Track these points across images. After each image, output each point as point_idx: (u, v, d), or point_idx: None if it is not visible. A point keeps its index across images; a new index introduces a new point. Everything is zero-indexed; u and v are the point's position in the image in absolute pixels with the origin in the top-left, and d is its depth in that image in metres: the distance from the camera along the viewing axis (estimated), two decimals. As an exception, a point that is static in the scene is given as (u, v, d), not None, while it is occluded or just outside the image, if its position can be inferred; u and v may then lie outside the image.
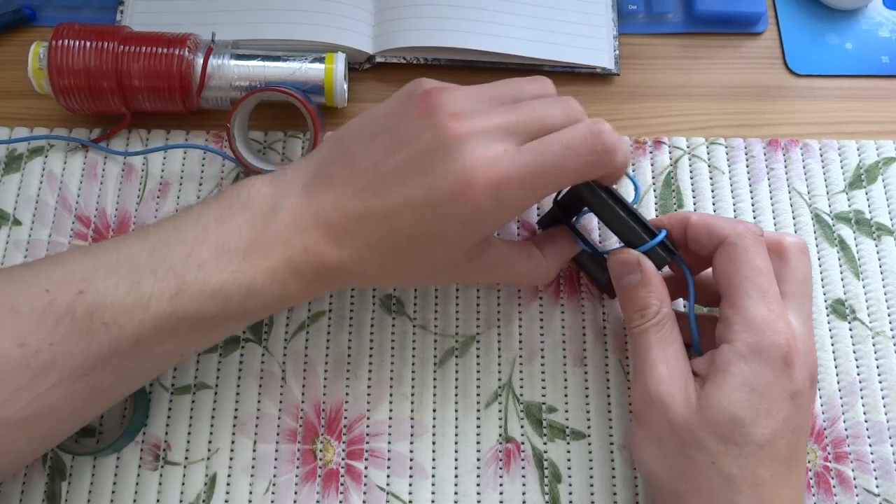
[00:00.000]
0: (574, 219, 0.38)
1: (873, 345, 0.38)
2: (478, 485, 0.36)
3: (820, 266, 0.40)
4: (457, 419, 0.37)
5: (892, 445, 0.37)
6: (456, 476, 0.36)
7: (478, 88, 0.32)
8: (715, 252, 0.33)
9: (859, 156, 0.42)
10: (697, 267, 0.36)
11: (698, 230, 0.33)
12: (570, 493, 0.36)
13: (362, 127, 0.32)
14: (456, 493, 0.36)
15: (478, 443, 0.37)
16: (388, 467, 0.36)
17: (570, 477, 0.36)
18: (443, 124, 0.29)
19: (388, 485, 0.36)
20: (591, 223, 0.41)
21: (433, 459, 0.36)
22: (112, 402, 0.31)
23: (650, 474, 0.32)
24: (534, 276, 0.35)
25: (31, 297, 0.28)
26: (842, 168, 0.42)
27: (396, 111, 0.31)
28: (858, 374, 0.38)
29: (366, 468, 0.36)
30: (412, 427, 0.37)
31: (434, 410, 0.37)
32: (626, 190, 0.41)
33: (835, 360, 0.38)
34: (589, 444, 0.36)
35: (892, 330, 0.39)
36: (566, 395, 0.37)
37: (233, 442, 0.36)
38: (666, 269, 0.36)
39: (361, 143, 0.31)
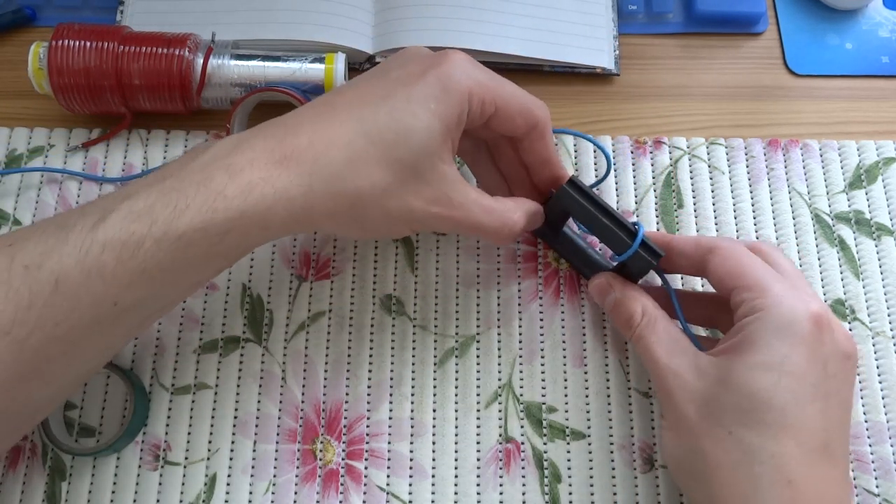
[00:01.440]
0: (577, 227, 0.38)
1: (873, 345, 0.38)
2: (478, 485, 0.36)
3: (820, 266, 0.40)
4: (457, 419, 0.37)
5: (892, 445, 0.37)
6: (456, 476, 0.36)
7: None
8: (704, 261, 0.33)
9: (859, 156, 0.42)
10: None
11: (684, 242, 0.34)
12: (570, 493, 0.36)
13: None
14: (456, 493, 0.36)
15: (478, 443, 0.37)
16: (388, 467, 0.36)
17: (570, 477, 0.36)
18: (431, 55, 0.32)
19: (388, 485, 0.36)
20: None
21: (433, 459, 0.36)
22: (57, 376, 0.28)
23: (673, 461, 0.32)
24: (496, 227, 0.33)
25: None
26: (842, 168, 0.42)
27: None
28: (858, 374, 0.38)
29: (366, 468, 0.36)
30: (412, 427, 0.37)
31: (434, 411, 0.37)
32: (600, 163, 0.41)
33: (835, 360, 0.38)
34: (589, 444, 0.36)
35: (892, 330, 0.39)
36: (566, 395, 0.37)
37: (233, 442, 0.36)
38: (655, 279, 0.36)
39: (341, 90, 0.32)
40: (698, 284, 0.39)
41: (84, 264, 0.26)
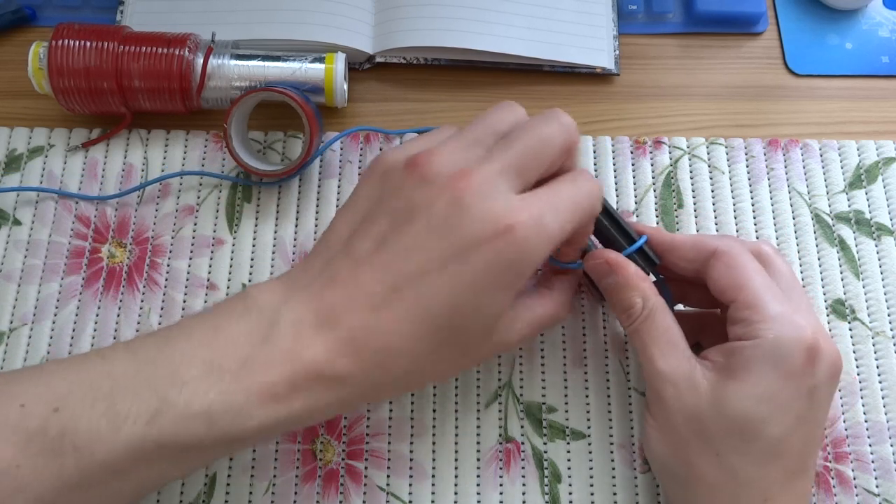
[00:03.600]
0: None
1: (873, 345, 0.38)
2: (478, 485, 0.36)
3: (820, 266, 0.40)
4: (457, 419, 0.37)
5: (892, 445, 0.37)
6: (456, 476, 0.36)
7: (458, 138, 0.30)
8: (706, 265, 0.33)
9: (859, 156, 0.42)
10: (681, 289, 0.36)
11: (686, 246, 0.34)
12: (570, 493, 0.36)
13: (352, 214, 0.30)
14: (456, 493, 0.36)
15: (478, 443, 0.37)
16: (388, 467, 0.36)
17: (569, 477, 0.36)
18: (453, 184, 0.27)
19: (388, 485, 0.36)
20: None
21: (433, 459, 0.36)
22: None
23: (658, 461, 0.33)
24: (562, 316, 0.34)
25: (4, 412, 0.25)
26: (842, 168, 0.42)
27: (381, 188, 0.29)
28: (858, 374, 0.38)
29: (366, 468, 0.36)
30: (412, 427, 0.37)
31: (434, 410, 0.37)
32: (626, 190, 0.41)
33: (835, 360, 0.38)
34: (589, 444, 0.36)
35: (892, 330, 0.39)
36: (566, 395, 0.37)
37: (233, 442, 0.36)
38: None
39: (358, 231, 0.29)
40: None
41: (137, 457, 0.25)
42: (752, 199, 0.41)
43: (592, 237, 0.35)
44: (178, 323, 0.28)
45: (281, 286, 0.28)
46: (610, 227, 0.34)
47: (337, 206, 0.41)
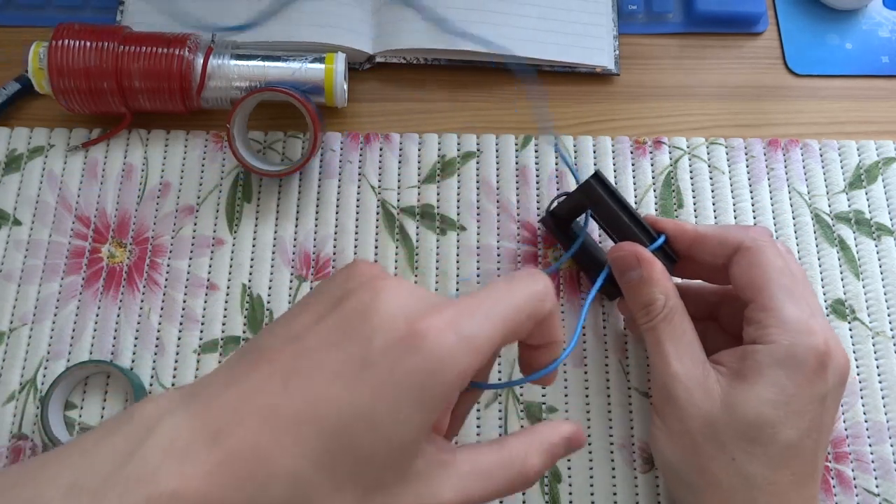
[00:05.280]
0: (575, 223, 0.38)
1: (873, 345, 0.38)
2: (478, 485, 0.36)
3: (820, 266, 0.40)
4: (457, 419, 0.37)
5: (892, 445, 0.37)
6: (456, 476, 0.36)
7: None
8: (730, 259, 0.33)
9: (859, 156, 0.42)
10: (701, 277, 0.36)
11: (711, 241, 0.33)
12: (570, 493, 0.36)
13: (280, 318, 0.25)
14: (456, 493, 0.36)
15: (478, 443, 0.36)
16: (388, 467, 0.36)
17: (570, 477, 0.36)
18: (374, 282, 0.24)
19: (388, 485, 0.36)
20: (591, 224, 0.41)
21: (433, 459, 0.36)
22: None
23: (668, 465, 0.32)
24: (519, 485, 0.26)
25: None
26: (842, 168, 0.42)
27: (316, 291, 0.25)
28: (858, 374, 0.38)
29: (366, 468, 0.36)
30: (412, 427, 0.37)
31: (434, 410, 0.37)
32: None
33: (835, 360, 0.38)
34: (589, 444, 0.36)
35: (892, 330, 0.39)
36: (566, 395, 0.37)
37: (233, 442, 0.36)
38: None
39: (275, 330, 0.24)
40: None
41: None
42: (752, 199, 0.41)
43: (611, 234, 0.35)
44: (69, 441, 0.24)
45: (179, 394, 0.23)
46: (630, 223, 0.34)
47: (337, 206, 0.41)
